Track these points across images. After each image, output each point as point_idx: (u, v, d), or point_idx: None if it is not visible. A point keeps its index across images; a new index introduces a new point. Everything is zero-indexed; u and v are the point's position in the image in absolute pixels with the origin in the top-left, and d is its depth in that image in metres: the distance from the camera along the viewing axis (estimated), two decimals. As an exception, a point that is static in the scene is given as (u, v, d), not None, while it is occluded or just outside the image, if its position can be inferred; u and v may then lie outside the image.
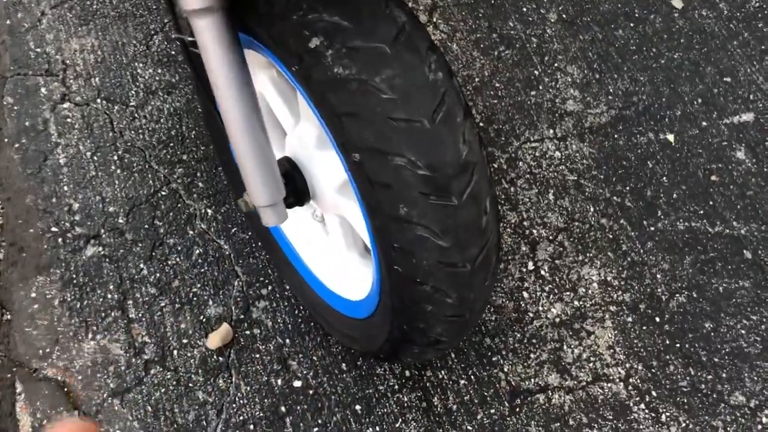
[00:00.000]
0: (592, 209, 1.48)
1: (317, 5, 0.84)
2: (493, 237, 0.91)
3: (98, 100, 1.64)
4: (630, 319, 1.36)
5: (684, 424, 1.26)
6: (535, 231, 1.45)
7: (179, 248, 1.44)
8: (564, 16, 1.76)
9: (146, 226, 1.47)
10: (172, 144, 1.57)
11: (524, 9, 1.77)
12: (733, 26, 1.74)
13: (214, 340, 1.34)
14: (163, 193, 1.51)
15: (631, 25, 1.75)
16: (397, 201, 0.84)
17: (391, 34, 0.83)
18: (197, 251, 1.44)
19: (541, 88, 1.65)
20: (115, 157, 1.56)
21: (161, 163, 1.55)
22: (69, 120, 1.61)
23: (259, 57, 1.04)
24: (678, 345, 1.33)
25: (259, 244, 1.43)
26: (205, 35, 0.89)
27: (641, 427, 1.26)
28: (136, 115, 1.61)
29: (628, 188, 1.51)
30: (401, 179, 0.82)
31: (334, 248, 1.23)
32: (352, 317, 1.15)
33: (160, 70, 1.68)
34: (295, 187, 1.09)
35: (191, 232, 1.46)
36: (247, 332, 1.35)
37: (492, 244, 0.91)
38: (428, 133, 0.83)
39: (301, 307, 1.37)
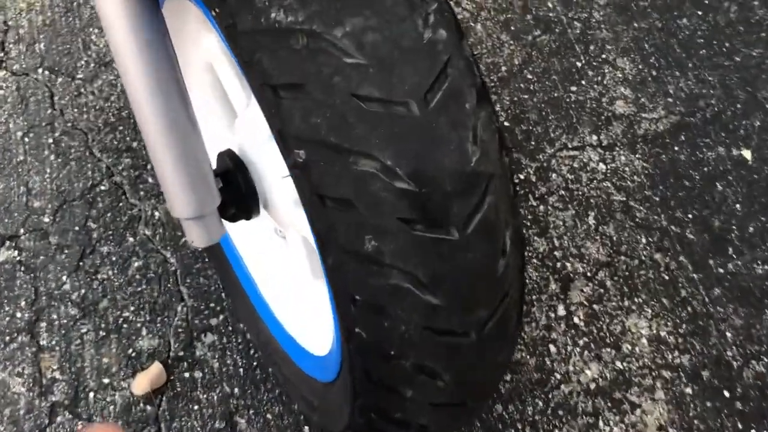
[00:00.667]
0: (644, 240, 1.15)
1: None
2: (513, 291, 0.59)
3: (39, 70, 1.34)
4: (689, 391, 1.03)
5: None
6: (569, 264, 1.13)
7: (114, 258, 1.14)
8: (616, -3, 1.44)
9: (76, 228, 1.16)
10: (121, 127, 1.27)
11: None
12: (827, 21, 1.40)
13: (142, 383, 1.03)
14: (103, 187, 1.21)
15: (699, 13, 1.42)
16: (362, 229, 0.52)
17: (369, -37, 0.52)
18: (136, 264, 1.13)
19: (584, 83, 1.32)
20: (51, 140, 1.26)
21: (105, 151, 1.25)
22: (1, 91, 1.32)
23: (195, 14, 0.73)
24: (752, 427, 1.00)
25: (209, 260, 1.12)
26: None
27: None
28: (82, 90, 1.32)
29: (690, 216, 1.18)
30: (369, 195, 0.51)
31: (296, 275, 0.91)
32: (312, 377, 0.83)
33: (118, 38, 1.38)
34: (239, 192, 0.77)
35: (131, 239, 1.15)
36: (186, 374, 1.04)
37: (512, 301, 0.59)
38: (417, 124, 0.51)
39: (256, 349, 1.06)
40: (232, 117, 0.90)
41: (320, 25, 0.51)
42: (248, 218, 0.80)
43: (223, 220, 0.74)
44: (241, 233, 0.99)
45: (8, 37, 1.38)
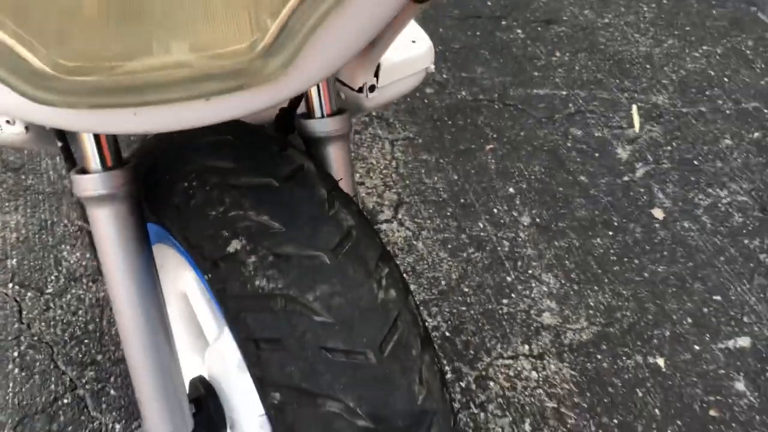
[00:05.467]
0: (575, 445, 1.25)
1: (243, 201, 0.67)
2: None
3: (9, 285, 1.43)
4: None
5: None
6: (508, 470, 1.21)
7: (71, 474, 1.16)
8: (538, 220, 1.64)
9: (36, 444, 1.20)
10: (86, 340, 1.34)
11: (495, 210, 1.65)
12: (717, 241, 1.63)
13: None
14: (66, 400, 1.26)
15: (610, 233, 1.63)
16: (328, 464, 0.61)
17: (334, 241, 0.66)
18: (93, 479, 1.16)
19: (513, 296, 1.48)
20: (16, 353, 1.32)
21: (70, 364, 1.31)
22: (-29, 306, 1.39)
23: (171, 253, 0.86)
24: None
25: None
26: (100, 225, 0.71)
27: None
28: (51, 305, 1.40)
29: (615, 421, 1.29)
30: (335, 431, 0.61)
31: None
32: None
33: (89, 255, 1.49)
34: (209, 418, 0.85)
35: (90, 454, 1.19)
36: None
37: None
38: (374, 370, 0.62)
39: None
40: (204, 345, 1.00)
41: (296, 290, 0.63)
42: (213, 441, 0.87)
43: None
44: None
45: (-18, 254, 1.48)
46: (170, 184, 0.71)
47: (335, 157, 0.82)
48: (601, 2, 2.39)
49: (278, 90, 0.54)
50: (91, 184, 0.68)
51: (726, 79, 2.11)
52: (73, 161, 0.77)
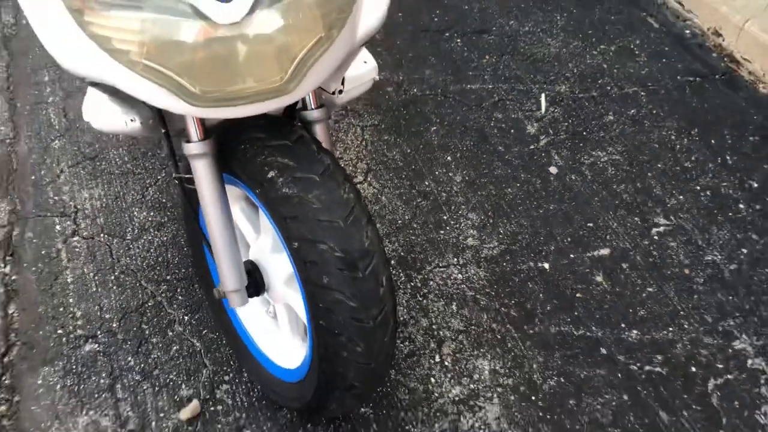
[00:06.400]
0: (485, 317, 1.92)
1: (274, 152, 1.33)
2: (389, 303, 1.33)
3: (101, 235, 2.08)
4: (512, 398, 1.75)
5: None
6: (441, 332, 1.88)
7: (160, 345, 1.82)
8: (467, 178, 2.31)
9: (134, 329, 1.85)
10: (158, 268, 2.00)
11: (437, 172, 2.32)
12: (594, 187, 2.30)
13: (185, 414, 1.68)
14: (150, 304, 1.91)
15: (517, 185, 2.30)
16: (321, 274, 1.27)
17: (320, 170, 1.32)
18: (175, 348, 1.82)
19: (448, 228, 2.15)
20: (113, 277, 1.97)
21: (149, 282, 1.96)
22: (77, 249, 2.04)
23: (233, 191, 1.51)
24: (549, 416, 1.72)
25: (224, 340, 1.82)
26: (199, 172, 1.37)
27: (520, 478, 1.61)
28: (131, 246, 2.05)
29: (513, 302, 1.96)
30: (324, 259, 1.27)
31: (282, 335, 1.63)
32: (291, 381, 1.54)
33: (152, 213, 2.14)
34: (255, 280, 1.52)
35: (170, 333, 1.85)
36: (212, 408, 1.70)
37: (389, 308, 1.33)
38: (343, 230, 1.28)
39: (256, 389, 1.73)
40: (246, 244, 1.66)
41: (303, 193, 1.28)
42: (259, 295, 1.53)
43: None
44: (247, 316, 1.71)
45: (78, 216, 2.13)
46: (234, 146, 1.37)
47: (320, 133, 1.48)
48: (522, 14, 3.06)
49: (291, 97, 1.20)
50: (194, 148, 1.34)
51: (615, 71, 2.79)
52: (171, 145, 1.44)
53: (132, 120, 1.58)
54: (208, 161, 1.36)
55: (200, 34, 1.11)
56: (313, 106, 1.46)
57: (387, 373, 1.42)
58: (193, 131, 1.35)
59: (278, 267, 1.50)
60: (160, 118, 1.50)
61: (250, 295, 1.52)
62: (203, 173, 1.37)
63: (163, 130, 1.49)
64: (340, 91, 1.64)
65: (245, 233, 1.62)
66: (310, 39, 1.17)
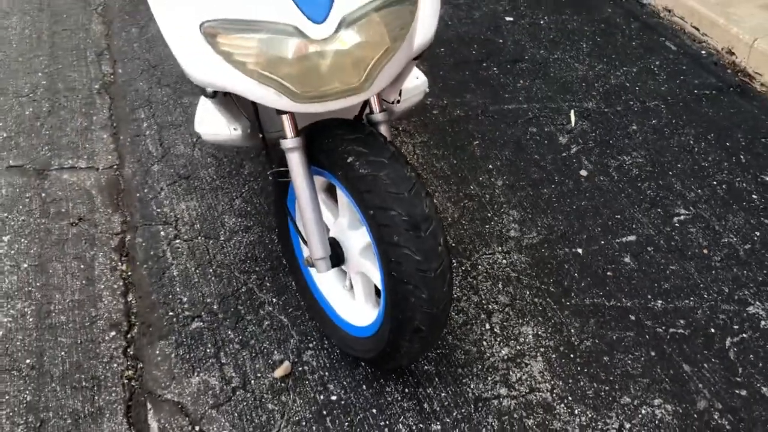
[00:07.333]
0: (527, 293, 2.23)
1: (351, 143, 1.70)
2: (446, 259, 1.67)
3: (199, 238, 2.47)
4: (554, 356, 2.04)
5: (588, 414, 1.90)
6: (490, 306, 2.19)
7: (254, 321, 2.18)
8: (507, 182, 2.65)
9: (232, 309, 2.22)
10: (248, 261, 2.37)
11: (480, 178, 2.66)
12: (621, 185, 2.61)
13: (278, 373, 2.02)
14: (243, 290, 2.28)
15: (552, 186, 2.62)
16: (392, 234, 1.62)
17: (388, 155, 1.67)
18: (266, 323, 2.17)
19: (492, 223, 2.48)
20: (210, 270, 2.35)
21: (242, 273, 2.34)
22: (179, 249, 2.43)
23: (317, 181, 1.88)
24: (586, 370, 2.01)
25: (308, 315, 2.17)
26: (293, 161, 1.74)
27: (561, 417, 1.90)
28: (224, 245, 2.44)
29: (551, 280, 2.27)
30: (394, 222, 1.61)
31: (357, 303, 1.97)
32: (366, 336, 1.87)
33: (240, 219, 2.53)
34: (336, 253, 1.87)
35: (262, 312, 2.20)
36: (300, 368, 2.04)
37: (446, 264, 1.67)
38: (408, 200, 1.63)
39: (335, 353, 2.07)
40: (330, 224, 2.02)
41: (375, 172, 1.64)
42: (339, 265, 1.88)
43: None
44: (328, 290, 2.06)
45: (178, 223, 2.53)
46: (320, 141, 1.74)
47: (384, 131, 1.85)
48: (552, 44, 3.43)
49: (366, 94, 1.59)
50: (289, 143, 1.72)
51: (637, 88, 3.12)
52: (267, 146, 1.83)
53: (235, 129, 1.98)
54: (300, 153, 1.74)
55: (299, 50, 1.50)
56: (377, 110, 1.83)
57: (446, 320, 1.74)
58: (289, 130, 1.73)
59: (354, 241, 1.86)
60: (258, 127, 1.90)
61: (333, 265, 1.87)
62: (296, 162, 1.74)
63: (260, 135, 1.88)
64: (398, 101, 2.01)
65: (326, 217, 1.98)
66: (379, 50, 1.55)
